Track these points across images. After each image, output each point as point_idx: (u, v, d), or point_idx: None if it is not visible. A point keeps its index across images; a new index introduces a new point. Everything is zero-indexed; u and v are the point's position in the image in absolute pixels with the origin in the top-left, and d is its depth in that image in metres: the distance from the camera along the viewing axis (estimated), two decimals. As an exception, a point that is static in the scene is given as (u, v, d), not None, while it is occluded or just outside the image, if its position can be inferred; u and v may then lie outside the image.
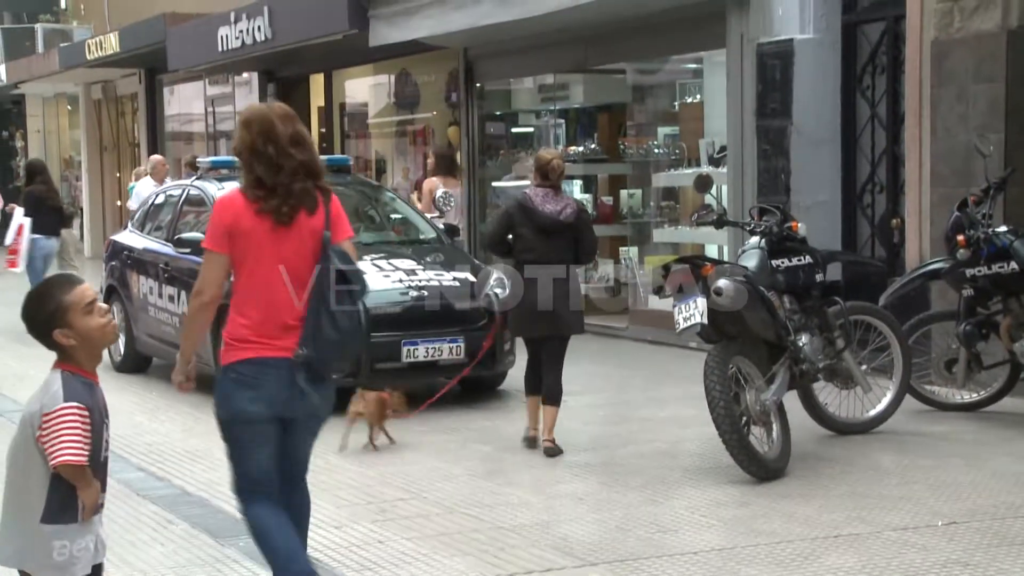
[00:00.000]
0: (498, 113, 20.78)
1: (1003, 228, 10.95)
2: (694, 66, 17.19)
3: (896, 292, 11.66)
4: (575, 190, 19.13)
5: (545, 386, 10.56)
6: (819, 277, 10.54)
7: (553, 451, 10.30)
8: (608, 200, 18.54)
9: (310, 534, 7.13)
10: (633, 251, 17.31)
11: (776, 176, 14.45)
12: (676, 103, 17.74)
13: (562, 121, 19.53)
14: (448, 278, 12.71)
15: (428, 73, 21.86)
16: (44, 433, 4.61)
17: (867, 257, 13.89)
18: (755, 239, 10.53)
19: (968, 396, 11.45)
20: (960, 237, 10.89)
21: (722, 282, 9.41)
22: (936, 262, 11.54)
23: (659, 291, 10.36)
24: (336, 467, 9.89)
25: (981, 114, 12.33)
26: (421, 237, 14.13)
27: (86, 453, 4.63)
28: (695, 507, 8.68)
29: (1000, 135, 12.16)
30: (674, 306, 9.69)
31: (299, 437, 6.52)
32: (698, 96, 17.13)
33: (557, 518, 8.43)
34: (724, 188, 15.21)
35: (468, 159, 20.46)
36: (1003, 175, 11.55)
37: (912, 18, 13.18)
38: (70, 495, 4.68)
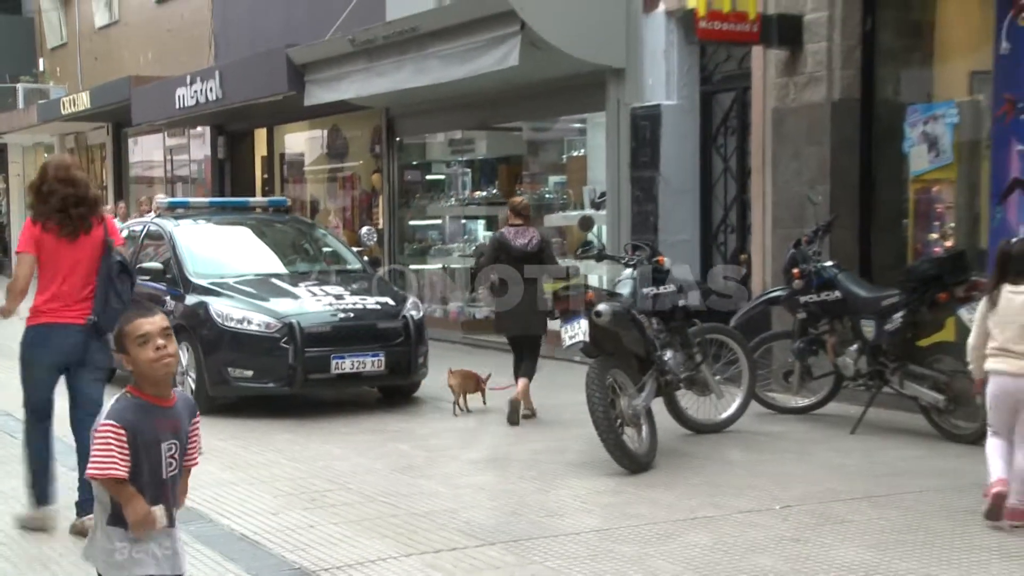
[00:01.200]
0: (414, 163, 20.71)
1: (829, 263, 11.14)
2: (579, 125, 17.19)
3: (744, 315, 11.83)
4: (479, 228, 19.21)
5: (524, 368, 11.68)
6: (682, 302, 10.59)
7: (529, 415, 11.54)
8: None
9: (250, 519, 7.99)
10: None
11: (646, 218, 14.57)
12: (564, 156, 17.76)
13: (468, 170, 19.51)
14: (371, 302, 12.64)
15: (355, 128, 21.76)
16: (94, 442, 4.41)
17: (722, 286, 13.81)
18: (629, 271, 10.56)
19: (801, 401, 11.59)
20: (795, 270, 11.11)
21: (601, 306, 9.46)
22: (776, 291, 11.71)
23: (549, 314, 10.47)
24: (273, 463, 9.84)
25: (811, 170, 12.55)
26: (348, 267, 14.00)
27: (120, 468, 4.33)
28: (578, 495, 8.67)
29: (827, 187, 12.39)
30: (561, 326, 9.79)
31: (84, 380, 7.78)
32: (582, 150, 17.12)
33: (462, 505, 8.38)
34: (604, 228, 15.22)
35: (389, 201, 20.43)
36: (829, 220, 11.77)
37: (756, 90, 13.41)
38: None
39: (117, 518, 4.41)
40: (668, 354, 10.19)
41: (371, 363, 12.13)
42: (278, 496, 8.69)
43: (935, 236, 12.10)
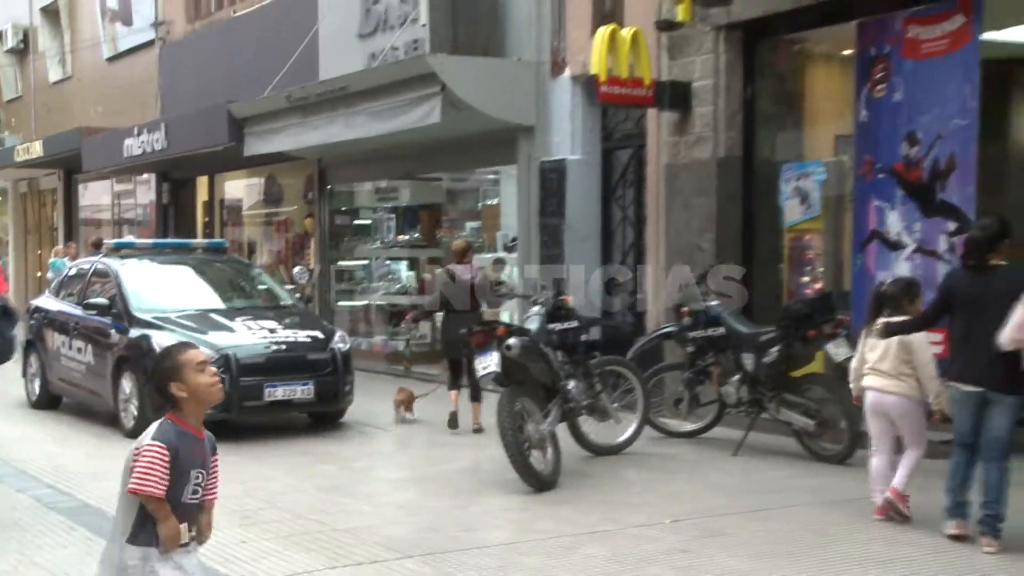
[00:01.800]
0: (344, 209, 20.62)
1: (714, 302, 11.23)
2: (493, 177, 17.25)
3: (640, 349, 11.93)
4: (403, 268, 19.26)
5: (471, 389, 11.95)
6: (584, 337, 10.76)
7: (479, 430, 11.78)
8: (428, 277, 18.54)
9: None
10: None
11: (553, 261, 14.58)
12: (480, 204, 17.84)
13: (393, 216, 19.49)
14: (302, 335, 12.61)
15: (290, 177, 21.66)
16: (133, 465, 4.35)
17: (620, 322, 14.02)
18: (536, 308, 10.66)
19: (690, 426, 11.62)
20: (684, 309, 11.28)
21: (512, 340, 9.55)
22: (668, 327, 11.80)
23: (466, 346, 10.57)
24: None
25: (699, 220, 12.69)
26: (281, 303, 13.98)
27: (160, 488, 4.32)
28: (489, 511, 8.77)
29: (713, 235, 12.55)
30: (476, 358, 9.83)
31: None
32: (496, 199, 17.20)
33: (383, 521, 8.42)
34: (515, 270, 15.36)
35: (320, 243, 20.40)
36: (713, 265, 11.91)
37: (651, 147, 13.56)
38: (148, 521, 4.38)
39: (133, 535, 4.38)
40: (571, 384, 10.28)
41: (301, 391, 12.13)
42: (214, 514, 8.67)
43: (806, 279, 12.32)
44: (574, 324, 10.64)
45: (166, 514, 4.36)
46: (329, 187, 20.37)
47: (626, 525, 8.19)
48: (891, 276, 10.95)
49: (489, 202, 17.37)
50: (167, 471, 4.33)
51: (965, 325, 7.77)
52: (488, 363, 9.70)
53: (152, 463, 4.31)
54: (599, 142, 14.76)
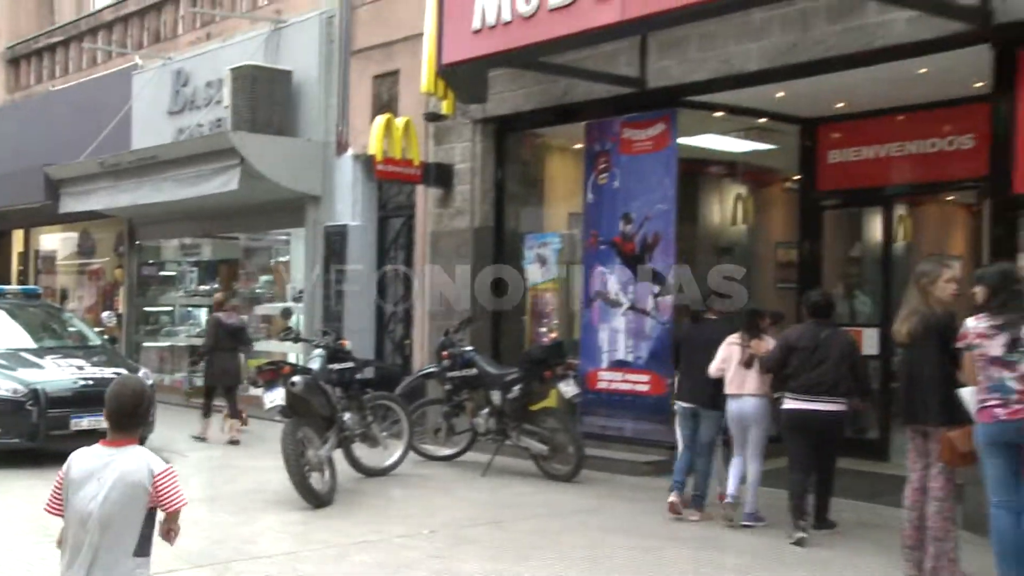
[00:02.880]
0: (151, 261, 20.09)
1: (469, 348, 11.39)
2: (284, 237, 17.02)
3: (406, 386, 11.97)
4: (202, 315, 18.86)
5: (229, 408, 13.02)
6: (358, 376, 10.78)
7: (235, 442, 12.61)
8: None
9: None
10: (241, 356, 17.18)
11: (335, 311, 14.63)
12: (272, 260, 17.54)
13: (196, 269, 19.09)
14: (108, 371, 12.06)
15: (102, 232, 20.98)
16: (160, 485, 4.20)
17: (390, 364, 14.12)
18: (318, 350, 10.63)
19: (447, 451, 11.61)
20: (444, 353, 11.38)
21: (296, 378, 9.57)
22: (430, 368, 11.88)
23: (255, 383, 10.47)
24: (13, 507, 9.32)
25: (457, 275, 12.78)
26: (90, 344, 13.52)
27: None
28: (272, 526, 8.67)
29: (468, 291, 12.63)
30: (264, 393, 9.74)
31: None
32: (287, 256, 16.98)
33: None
34: (301, 317, 15.31)
35: (129, 291, 19.90)
36: (468, 316, 12.14)
37: (419, 217, 13.74)
38: (151, 535, 4.26)
39: (141, 547, 4.23)
40: (347, 415, 10.28)
41: (105, 422, 11.85)
42: (18, 534, 8.23)
43: (544, 329, 12.55)
44: (350, 364, 10.65)
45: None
46: (138, 242, 19.90)
47: (391, 535, 8.22)
48: (610, 329, 11.57)
49: (281, 259, 17.14)
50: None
51: (687, 360, 9.01)
52: (275, 397, 9.62)
53: (177, 483, 4.29)
54: (376, 211, 14.86)
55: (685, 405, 9.04)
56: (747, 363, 8.58)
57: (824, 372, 8.10)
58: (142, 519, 4.22)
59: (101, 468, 4.23)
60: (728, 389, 8.69)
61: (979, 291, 6.87)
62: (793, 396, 8.20)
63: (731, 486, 8.66)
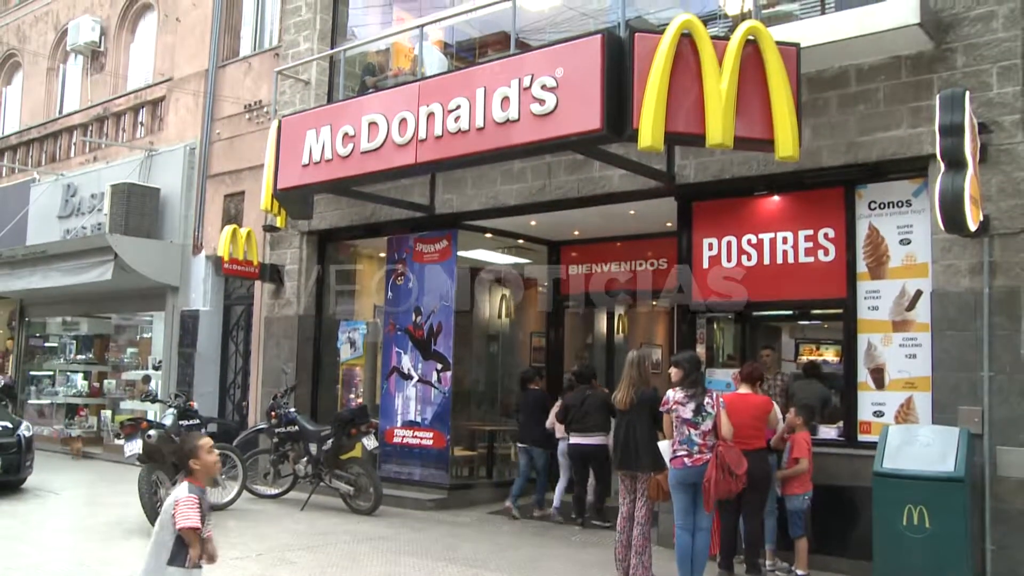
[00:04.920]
0: (38, 334, 18.88)
1: (292, 409, 11.12)
2: (148, 318, 16.23)
3: (242, 438, 11.52)
4: (79, 378, 17.78)
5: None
6: (204, 430, 10.27)
7: None
8: (98, 385, 17.28)
9: None
10: (109, 412, 16.29)
11: (186, 377, 14.07)
12: (138, 336, 16.77)
13: (74, 341, 18.05)
14: None
15: (-3, 309, 19.77)
16: (175, 512, 4.34)
17: (230, 421, 13.61)
18: (171, 409, 10.27)
19: (274, 491, 11.25)
20: (273, 413, 11.08)
21: (151, 431, 9.23)
22: (261, 425, 11.54)
23: (118, 435, 9.99)
24: None
25: (285, 354, 12.54)
26: None
27: (198, 522, 4.35)
28: (129, 550, 8.21)
29: (294, 364, 12.39)
30: (124, 443, 9.37)
31: None
32: (150, 333, 16.22)
33: (45, 560, 7.73)
34: (159, 382, 14.58)
35: (17, 358, 18.59)
36: (293, 384, 11.88)
37: (256, 305, 13.36)
38: (183, 549, 4.36)
39: (173, 558, 4.36)
40: (192, 462, 9.97)
41: (-10, 466, 11.01)
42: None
43: (352, 395, 12.35)
44: (197, 420, 10.32)
45: (196, 541, 4.39)
46: (27, 318, 18.71)
47: (227, 558, 7.84)
48: (403, 397, 11.46)
49: (145, 335, 16.46)
50: (199, 512, 4.38)
51: (575, 419, 9.71)
52: (134, 447, 9.29)
53: (191, 509, 4.36)
54: (222, 300, 14.42)
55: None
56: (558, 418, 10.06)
57: (592, 418, 9.49)
58: (171, 534, 4.41)
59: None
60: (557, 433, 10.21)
61: (674, 371, 7.19)
62: (574, 434, 9.66)
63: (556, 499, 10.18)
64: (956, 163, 6.36)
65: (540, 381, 11.20)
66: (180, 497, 4.40)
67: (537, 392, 10.78)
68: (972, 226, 6.53)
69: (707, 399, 7.00)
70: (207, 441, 4.65)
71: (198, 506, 4.39)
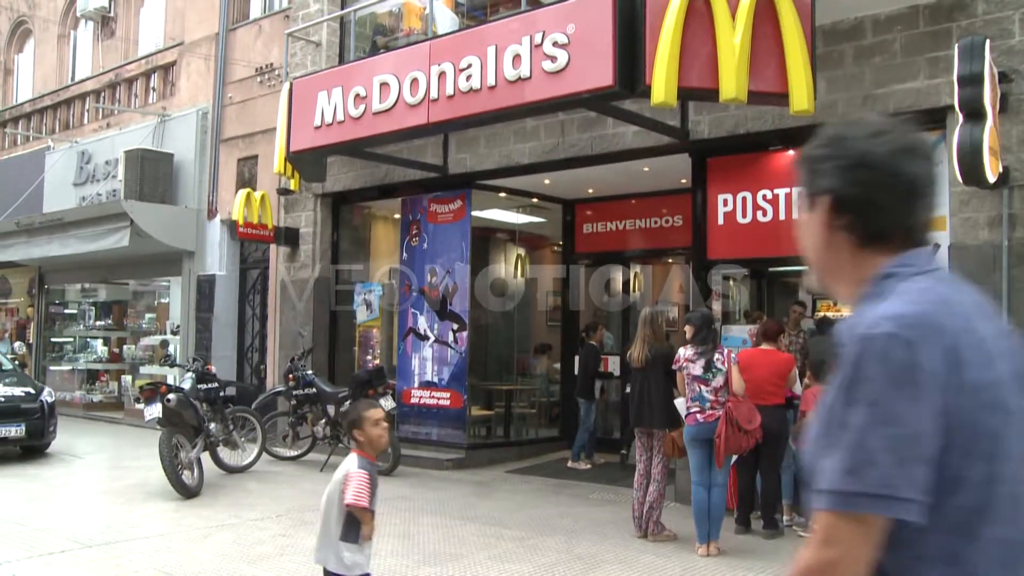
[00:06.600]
0: (57, 301, 19.05)
1: (310, 371, 11.09)
2: (165, 283, 16.37)
3: (261, 401, 11.61)
4: (98, 344, 17.99)
5: None
6: (222, 393, 10.46)
7: None
8: (117, 351, 17.48)
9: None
10: (128, 378, 16.47)
11: (204, 342, 14.17)
12: (156, 301, 16.90)
13: (93, 308, 18.21)
14: (18, 391, 11.59)
15: (17, 277, 19.60)
16: (346, 486, 4.09)
17: (248, 384, 13.67)
18: (190, 373, 10.31)
19: (293, 453, 11.37)
20: (290, 376, 11.14)
21: (171, 395, 9.22)
22: (280, 388, 11.58)
23: (138, 400, 10.06)
24: None
25: (302, 317, 12.54)
26: (3, 368, 12.62)
27: (367, 500, 4.11)
28: (150, 513, 8.36)
29: (311, 327, 12.47)
30: (144, 407, 9.36)
31: None
32: (167, 299, 16.36)
33: (71, 521, 7.88)
34: (178, 346, 14.72)
35: (38, 325, 18.67)
36: (310, 347, 11.96)
37: (272, 269, 13.42)
38: (354, 525, 4.13)
39: (345, 534, 4.14)
40: (212, 425, 10.05)
41: (15, 431, 11.16)
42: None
43: (369, 357, 12.39)
44: (215, 384, 10.36)
45: (368, 518, 4.16)
46: (47, 286, 18.83)
47: (247, 519, 8.06)
48: (420, 357, 11.50)
49: (162, 300, 16.60)
50: (369, 490, 4.14)
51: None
52: (154, 411, 9.26)
53: (360, 485, 4.11)
54: (238, 264, 14.46)
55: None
56: None
57: None
58: (341, 509, 4.17)
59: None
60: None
61: (687, 329, 7.18)
62: None
63: None
64: (975, 114, 6.26)
65: (595, 335, 11.30)
66: (351, 471, 4.16)
67: (590, 347, 11.01)
68: (991, 178, 6.44)
69: (717, 355, 6.99)
70: (374, 413, 4.32)
71: (368, 482, 4.16)
